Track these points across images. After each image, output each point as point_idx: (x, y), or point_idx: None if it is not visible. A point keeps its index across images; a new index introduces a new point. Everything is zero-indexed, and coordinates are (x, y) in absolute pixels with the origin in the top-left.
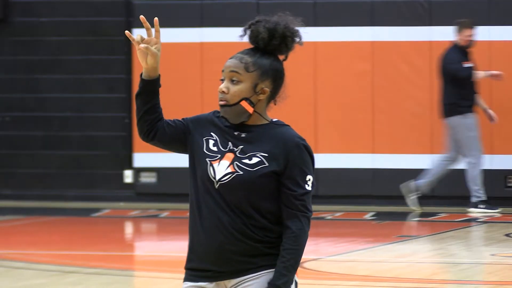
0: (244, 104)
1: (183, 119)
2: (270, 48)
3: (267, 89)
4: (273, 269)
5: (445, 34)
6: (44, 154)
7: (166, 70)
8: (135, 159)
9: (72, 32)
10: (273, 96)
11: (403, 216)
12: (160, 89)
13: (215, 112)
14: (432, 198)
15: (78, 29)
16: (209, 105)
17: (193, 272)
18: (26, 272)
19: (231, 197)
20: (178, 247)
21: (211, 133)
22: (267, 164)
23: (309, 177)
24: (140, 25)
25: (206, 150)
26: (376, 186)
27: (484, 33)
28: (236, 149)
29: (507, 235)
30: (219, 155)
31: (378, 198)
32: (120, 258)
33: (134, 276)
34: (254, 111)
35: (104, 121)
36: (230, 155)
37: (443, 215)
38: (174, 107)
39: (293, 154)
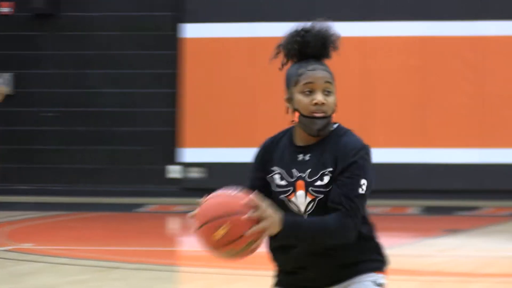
0: (334, 115)
1: (253, 177)
2: (329, 56)
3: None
4: (367, 273)
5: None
6: (93, 149)
7: (217, 65)
8: (183, 154)
9: (121, 27)
10: None
11: (448, 210)
12: (211, 85)
13: (266, 143)
14: (478, 192)
15: (127, 24)
16: (260, 100)
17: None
18: (70, 268)
19: None
20: None
21: (273, 168)
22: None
23: (363, 181)
24: (189, 20)
25: (277, 187)
26: (427, 181)
27: None
28: (304, 175)
29: None
30: (291, 188)
31: (428, 193)
32: (163, 253)
33: (179, 272)
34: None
35: (152, 116)
36: (301, 183)
37: (488, 209)
38: (224, 103)
39: (348, 157)
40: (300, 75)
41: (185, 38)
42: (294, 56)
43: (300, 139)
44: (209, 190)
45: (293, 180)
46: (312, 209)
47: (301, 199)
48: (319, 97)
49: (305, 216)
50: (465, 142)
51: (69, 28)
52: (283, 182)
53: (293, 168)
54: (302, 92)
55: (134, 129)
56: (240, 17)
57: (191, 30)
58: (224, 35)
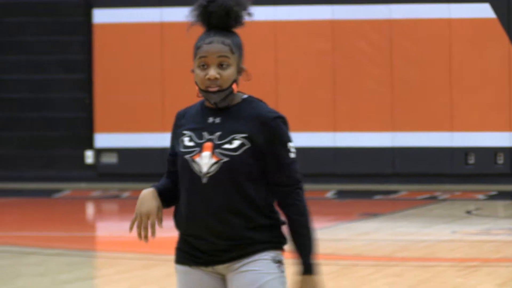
0: (234, 86)
1: (169, 154)
2: (237, 26)
3: (244, 67)
4: (267, 251)
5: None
6: (4, 136)
7: (128, 50)
8: (96, 139)
9: (30, 12)
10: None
11: (364, 194)
12: (121, 71)
13: (177, 114)
14: (393, 176)
15: (36, 9)
16: (170, 83)
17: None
18: None
19: (222, 187)
20: None
21: (183, 132)
22: (249, 145)
23: (290, 144)
24: (100, 5)
25: (183, 148)
26: (338, 165)
27: (444, 11)
28: (213, 137)
29: (468, 212)
30: (197, 148)
31: (340, 177)
32: (81, 238)
33: (95, 257)
34: (238, 91)
35: (64, 102)
36: (209, 144)
37: (404, 193)
38: (135, 88)
39: (270, 128)
40: (198, 48)
41: (95, 24)
42: (203, 27)
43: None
44: (122, 175)
45: (201, 141)
46: (214, 172)
47: (205, 160)
48: (211, 71)
49: (204, 178)
50: (377, 125)
51: None
52: (191, 143)
53: (204, 131)
54: (199, 66)
55: (46, 114)
56: (148, 2)
57: (100, 16)
58: (133, 20)
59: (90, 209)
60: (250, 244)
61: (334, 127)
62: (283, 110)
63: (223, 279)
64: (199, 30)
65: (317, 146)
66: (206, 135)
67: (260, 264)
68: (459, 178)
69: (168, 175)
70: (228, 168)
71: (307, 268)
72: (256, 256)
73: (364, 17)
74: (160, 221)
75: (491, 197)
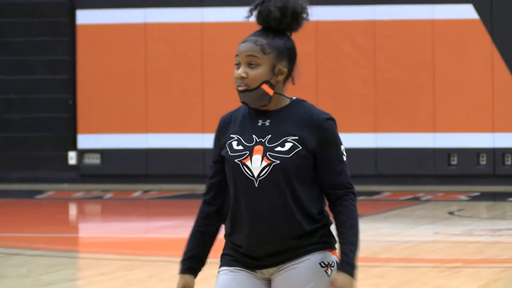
0: (265, 87)
1: (213, 162)
2: (282, 27)
3: (285, 70)
4: (317, 252)
5: (388, 13)
6: None
7: (112, 51)
8: (79, 140)
9: (15, 13)
10: (289, 75)
11: None
12: (105, 72)
13: (222, 119)
14: (376, 177)
15: (20, 10)
16: (153, 84)
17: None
18: None
19: (273, 190)
20: (122, 228)
21: (230, 135)
22: (300, 147)
23: (342, 147)
24: (83, 6)
25: (232, 152)
26: None
27: (427, 12)
28: (263, 140)
29: (450, 213)
30: (248, 152)
31: None
32: (64, 239)
33: (78, 258)
34: (275, 92)
35: (48, 102)
36: (259, 148)
37: (387, 193)
38: (118, 89)
39: (322, 130)
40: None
41: (78, 25)
42: (261, 25)
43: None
44: (105, 176)
45: (251, 145)
46: (265, 174)
47: (256, 164)
48: (239, 70)
49: (256, 182)
50: (360, 126)
51: None
52: (240, 147)
53: (253, 134)
54: (235, 65)
55: (30, 115)
56: (132, 3)
57: (83, 17)
58: (116, 21)
59: (73, 210)
60: (297, 247)
61: None
62: None
63: (268, 283)
64: (183, 32)
65: None
66: (255, 138)
67: (306, 267)
68: (442, 179)
69: (207, 190)
70: (280, 171)
71: (347, 266)
72: (304, 257)
73: (348, 18)
74: None
75: (474, 198)
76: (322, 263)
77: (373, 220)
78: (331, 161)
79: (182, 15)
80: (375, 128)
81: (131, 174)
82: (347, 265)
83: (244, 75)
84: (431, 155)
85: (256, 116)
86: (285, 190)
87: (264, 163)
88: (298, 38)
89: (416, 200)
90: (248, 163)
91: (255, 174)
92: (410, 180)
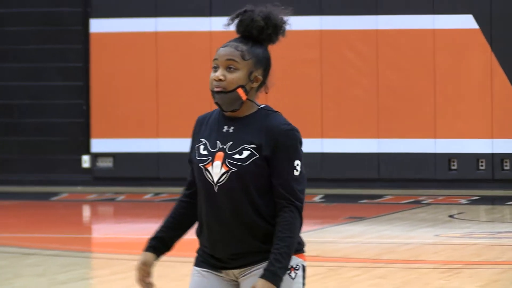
0: (240, 91)
1: (188, 159)
2: (262, 37)
3: (260, 77)
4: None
5: (393, 22)
6: (4, 141)
7: (124, 58)
8: (92, 144)
9: (30, 22)
10: (262, 84)
11: (350, 198)
12: (117, 78)
13: (198, 119)
14: (378, 181)
15: (35, 19)
16: (164, 91)
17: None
18: None
19: (231, 196)
20: (134, 229)
21: (200, 139)
22: (257, 155)
23: (296, 162)
24: (97, 15)
25: (198, 157)
26: (325, 170)
27: (428, 22)
28: (225, 147)
29: (450, 216)
30: (210, 157)
31: (327, 181)
32: (78, 240)
33: (91, 258)
34: (247, 98)
35: (62, 108)
36: (220, 154)
37: (389, 197)
38: (130, 95)
39: (278, 141)
40: (217, 51)
41: (92, 33)
42: (241, 33)
43: (228, 113)
44: (117, 179)
45: (214, 150)
46: (224, 181)
47: (216, 170)
48: (217, 73)
49: (216, 187)
50: (363, 132)
51: None
52: (205, 152)
53: (217, 140)
54: (212, 68)
55: (45, 120)
56: (143, 12)
57: (97, 25)
58: (128, 29)
59: (86, 211)
60: (259, 252)
61: (322, 133)
62: None
63: (236, 284)
64: (192, 40)
65: (305, 151)
66: (219, 144)
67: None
68: (443, 183)
69: (188, 186)
70: (236, 178)
71: (270, 274)
72: (267, 261)
73: (351, 28)
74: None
75: (473, 202)
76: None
77: (375, 222)
78: (280, 171)
79: (191, 24)
80: (378, 133)
81: (143, 177)
82: (270, 273)
83: (222, 77)
84: (432, 160)
85: (223, 121)
86: (242, 196)
87: (223, 170)
88: (303, 46)
89: (417, 203)
90: (210, 168)
91: (215, 180)
92: (412, 184)
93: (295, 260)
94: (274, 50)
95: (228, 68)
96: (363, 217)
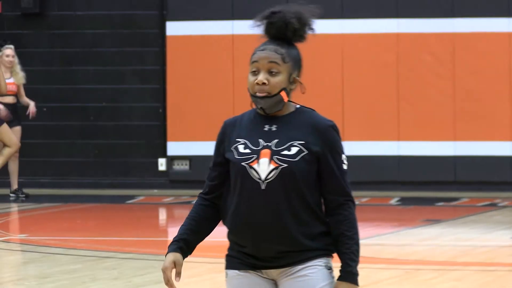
0: (283, 94)
1: (213, 165)
2: (295, 38)
3: (298, 79)
4: (324, 257)
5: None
6: (81, 143)
7: (200, 61)
8: (169, 147)
9: (107, 25)
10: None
11: (427, 201)
12: (193, 81)
13: (226, 123)
14: (454, 184)
15: (113, 22)
16: (240, 93)
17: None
18: (62, 258)
19: (280, 192)
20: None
21: (237, 140)
22: (306, 152)
23: (343, 156)
24: (173, 18)
25: (239, 156)
26: (401, 173)
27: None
28: (270, 144)
29: None
30: (255, 155)
31: (403, 184)
32: (154, 243)
33: None
34: (288, 100)
35: (139, 111)
36: (267, 151)
37: (465, 200)
38: (207, 98)
39: (326, 136)
40: (253, 54)
41: (168, 36)
42: (265, 37)
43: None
44: (193, 182)
45: (258, 148)
46: (273, 177)
47: (263, 166)
48: (260, 76)
49: (263, 184)
50: (439, 135)
51: (56, 26)
52: (247, 151)
53: (259, 138)
54: (251, 72)
55: (121, 123)
56: (220, 15)
57: (173, 28)
58: (204, 32)
59: (162, 214)
60: (305, 250)
61: (398, 136)
62: (349, 120)
63: (275, 283)
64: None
65: (382, 154)
66: (262, 142)
67: (314, 270)
68: (507, 186)
69: (210, 190)
70: (287, 174)
71: (350, 275)
72: (310, 262)
73: (428, 31)
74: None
75: None
76: (326, 266)
77: (451, 225)
78: (332, 167)
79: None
80: (454, 136)
81: None
82: (350, 274)
83: (265, 81)
84: (508, 162)
85: (262, 121)
86: (292, 192)
87: (272, 166)
88: (380, 49)
89: (493, 206)
90: (255, 166)
91: (262, 177)
92: (488, 186)
93: (331, 262)
94: (351, 53)
95: (270, 72)
96: (439, 219)
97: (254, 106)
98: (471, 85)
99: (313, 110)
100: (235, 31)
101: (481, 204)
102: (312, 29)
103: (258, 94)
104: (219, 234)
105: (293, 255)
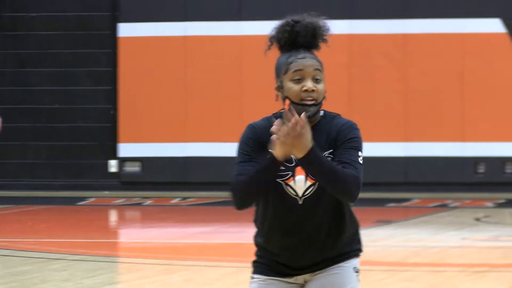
0: (323, 101)
1: (249, 158)
2: (317, 48)
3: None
4: (352, 259)
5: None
6: (33, 145)
7: (152, 63)
8: (120, 149)
9: (60, 26)
10: None
11: (378, 202)
12: (146, 82)
13: (255, 128)
14: (405, 185)
15: (66, 23)
16: (192, 95)
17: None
18: (12, 259)
19: (318, 207)
20: (161, 234)
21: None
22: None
23: (361, 153)
24: (126, 20)
25: None
26: None
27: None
28: None
29: (477, 219)
30: (290, 172)
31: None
32: (104, 244)
33: (118, 262)
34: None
35: (91, 112)
36: (301, 168)
37: (416, 200)
38: (159, 99)
39: (345, 133)
40: (290, 63)
41: (120, 37)
42: (286, 46)
43: None
44: (145, 184)
45: (292, 165)
46: (310, 193)
47: (300, 184)
48: (309, 84)
49: (301, 200)
50: (391, 136)
51: (9, 28)
52: (281, 167)
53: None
54: (292, 80)
55: (73, 125)
56: (172, 16)
57: (125, 30)
58: (157, 34)
59: (113, 216)
60: (337, 256)
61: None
62: None
63: (299, 286)
64: (221, 44)
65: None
66: (294, 158)
67: (342, 271)
68: (469, 187)
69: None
70: (324, 188)
71: (316, 149)
72: (340, 263)
73: (380, 32)
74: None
75: (500, 205)
76: (355, 269)
77: (402, 226)
78: (345, 152)
79: (220, 28)
80: (406, 137)
81: (170, 182)
82: (316, 150)
83: (314, 88)
84: (458, 163)
85: None
86: (328, 205)
87: (308, 183)
88: (332, 50)
89: (444, 207)
90: (291, 183)
91: (300, 194)
92: (438, 187)
93: (358, 264)
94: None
95: (315, 79)
96: (390, 220)
97: (283, 111)
98: (423, 86)
99: (339, 114)
100: (188, 33)
101: (432, 205)
102: (329, 34)
103: (306, 101)
104: (168, 236)
105: (328, 261)
